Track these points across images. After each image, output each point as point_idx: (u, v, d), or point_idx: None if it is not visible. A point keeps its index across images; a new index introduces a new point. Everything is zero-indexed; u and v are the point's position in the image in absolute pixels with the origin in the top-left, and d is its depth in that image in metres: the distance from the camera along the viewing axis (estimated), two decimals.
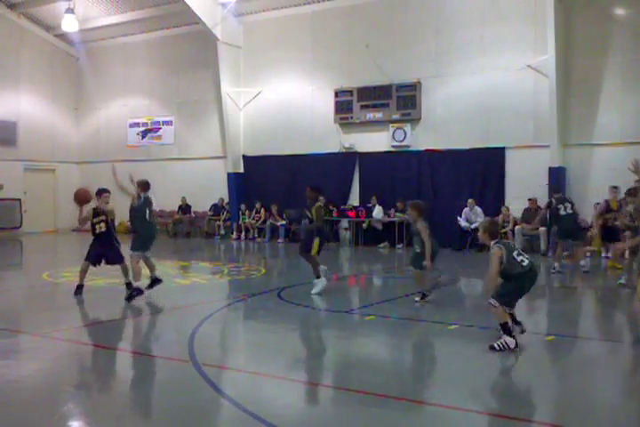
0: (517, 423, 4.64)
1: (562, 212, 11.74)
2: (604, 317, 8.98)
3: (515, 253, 6.45)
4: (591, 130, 15.98)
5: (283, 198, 19.62)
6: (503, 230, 16.09)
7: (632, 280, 10.21)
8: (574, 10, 16.06)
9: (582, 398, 5.25)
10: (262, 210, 19.91)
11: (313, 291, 9.69)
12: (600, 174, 15.57)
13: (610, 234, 12.29)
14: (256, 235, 19.98)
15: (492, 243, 6.55)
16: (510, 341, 6.36)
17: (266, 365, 6.17)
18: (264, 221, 19.79)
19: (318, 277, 9.83)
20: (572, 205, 11.94)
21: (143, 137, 23.14)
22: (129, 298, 9.05)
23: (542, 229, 15.10)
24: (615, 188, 12.60)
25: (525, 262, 6.43)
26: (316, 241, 9.87)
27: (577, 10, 16.03)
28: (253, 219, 20.03)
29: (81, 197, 9.56)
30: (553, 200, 12.07)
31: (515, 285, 6.47)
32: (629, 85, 15.46)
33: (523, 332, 6.72)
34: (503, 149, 16.97)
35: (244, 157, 20.93)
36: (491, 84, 17.06)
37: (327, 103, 19.16)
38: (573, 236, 11.88)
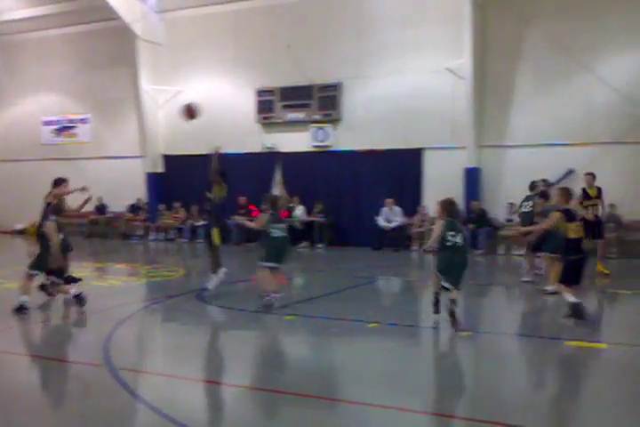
0: (435, 418, 4.74)
1: (523, 209, 11.56)
2: (516, 313, 9.30)
3: (450, 232, 7.54)
4: (505, 132, 16.53)
5: (203, 199, 19.32)
6: (419, 230, 16.47)
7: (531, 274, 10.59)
8: (490, 14, 16.57)
9: (493, 390, 5.41)
10: (182, 210, 19.61)
11: (208, 285, 9.56)
12: (513, 175, 16.17)
13: (592, 227, 11.22)
14: (175, 235, 19.65)
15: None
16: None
17: (183, 367, 6.08)
18: (184, 222, 19.49)
19: (215, 271, 9.63)
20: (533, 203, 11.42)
21: (58, 135, 22.37)
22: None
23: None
24: (590, 174, 12.16)
25: (450, 243, 7.52)
26: (216, 230, 9.65)
27: (493, 14, 16.54)
28: (172, 219, 19.70)
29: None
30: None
31: (443, 256, 7.68)
32: (542, 89, 16.07)
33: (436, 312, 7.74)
34: (421, 149, 17.35)
35: (164, 156, 20.56)
36: (410, 85, 17.37)
37: (249, 103, 19.05)
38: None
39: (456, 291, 7.46)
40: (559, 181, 15.43)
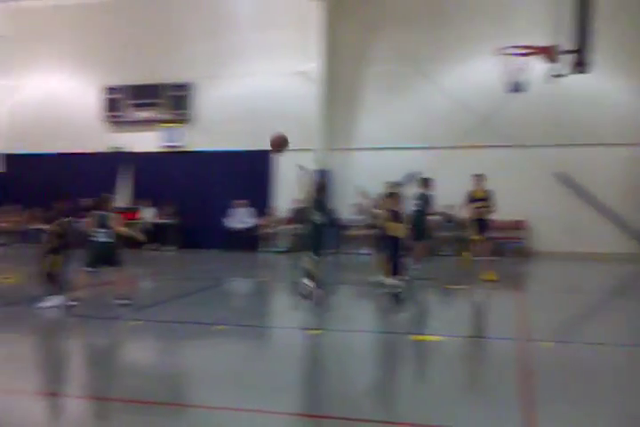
0: (282, 418, 4.77)
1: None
2: (364, 310, 9.61)
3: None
4: (353, 135, 17.07)
5: (47, 200, 18.29)
6: (270, 231, 16.57)
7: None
8: (339, 20, 17.04)
9: (340, 386, 5.55)
10: (25, 212, 18.39)
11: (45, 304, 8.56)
12: (360, 177, 16.76)
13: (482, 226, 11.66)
14: (11, 239, 18.39)
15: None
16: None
17: (14, 380, 5.69)
18: (24, 224, 18.29)
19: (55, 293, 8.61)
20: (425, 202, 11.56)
21: None
22: None
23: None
24: (478, 176, 11.98)
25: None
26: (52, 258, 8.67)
27: (341, 20, 17.03)
28: (6, 222, 18.40)
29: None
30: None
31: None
32: (387, 95, 16.77)
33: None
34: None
35: (5, 155, 19.22)
36: (262, 87, 17.47)
37: (95, 101, 18.29)
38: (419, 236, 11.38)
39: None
40: (402, 182, 16.13)
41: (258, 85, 17.51)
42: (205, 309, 8.90)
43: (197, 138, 17.96)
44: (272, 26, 17.40)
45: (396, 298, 8.72)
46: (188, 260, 15.82)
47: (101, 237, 8.49)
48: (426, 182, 11.67)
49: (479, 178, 11.68)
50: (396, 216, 8.71)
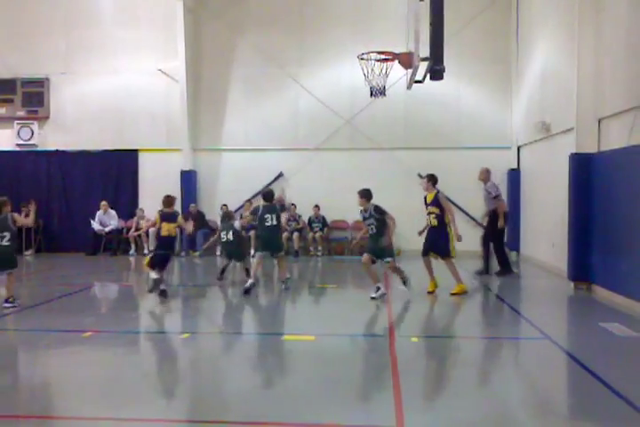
0: (157, 424, 4.74)
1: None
2: (235, 311, 9.66)
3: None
4: (220, 136, 17.02)
5: None
6: (138, 233, 16.16)
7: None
8: (203, 21, 16.91)
9: (213, 390, 5.59)
10: None
11: None
12: (227, 178, 16.81)
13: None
14: None
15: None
16: None
17: None
18: None
19: None
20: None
21: None
22: None
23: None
24: (424, 177, 10.76)
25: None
26: None
27: (205, 21, 16.91)
28: None
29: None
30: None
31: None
32: (251, 96, 16.85)
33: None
34: (137, 151, 17.07)
35: None
36: (124, 85, 17.02)
37: None
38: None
39: None
40: (270, 184, 16.37)
41: (121, 83, 17.03)
42: (69, 315, 8.59)
43: (56, 136, 17.18)
44: (135, 22, 16.98)
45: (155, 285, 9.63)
46: (47, 264, 15.06)
47: None
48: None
49: (425, 180, 10.50)
50: (165, 216, 9.86)
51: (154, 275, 9.62)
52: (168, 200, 9.90)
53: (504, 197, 16.00)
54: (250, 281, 10.12)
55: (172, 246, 10.09)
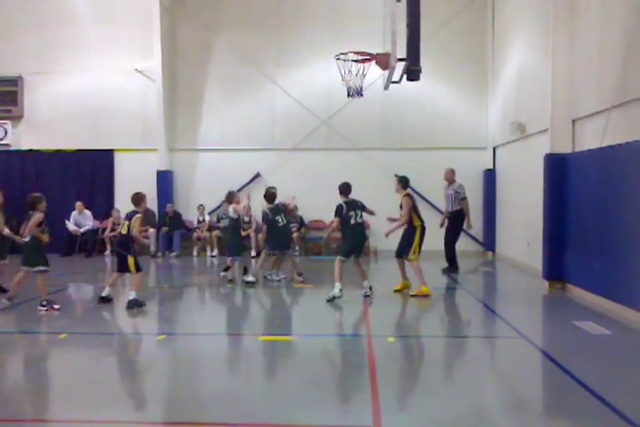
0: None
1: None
2: (214, 312, 9.63)
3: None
4: (196, 136, 16.94)
5: None
6: (113, 233, 16.01)
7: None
8: (179, 20, 16.82)
9: (191, 391, 5.57)
10: None
11: None
12: (203, 178, 16.74)
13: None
14: None
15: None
16: None
17: None
18: None
19: None
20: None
21: None
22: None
23: (152, 230, 15.55)
24: (396, 177, 10.87)
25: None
26: None
27: (181, 20, 16.82)
28: None
29: None
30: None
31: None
32: (228, 96, 16.81)
33: None
34: (112, 151, 16.94)
35: None
36: (100, 84, 16.88)
37: None
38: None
39: None
40: (248, 184, 16.36)
41: (96, 82, 16.88)
42: (45, 317, 8.49)
43: (29, 136, 16.99)
44: (111, 21, 16.84)
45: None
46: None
47: None
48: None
49: (396, 181, 10.59)
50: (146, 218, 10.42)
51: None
52: (133, 198, 9.46)
53: (480, 197, 16.25)
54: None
55: (124, 246, 9.26)
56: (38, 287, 8.88)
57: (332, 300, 9.34)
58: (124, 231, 9.26)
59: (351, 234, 9.87)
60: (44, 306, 8.77)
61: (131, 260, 9.10)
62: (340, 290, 9.48)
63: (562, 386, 5.56)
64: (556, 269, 10.61)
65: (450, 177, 13.03)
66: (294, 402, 5.12)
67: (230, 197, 11.59)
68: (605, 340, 7.13)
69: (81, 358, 6.55)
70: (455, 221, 12.80)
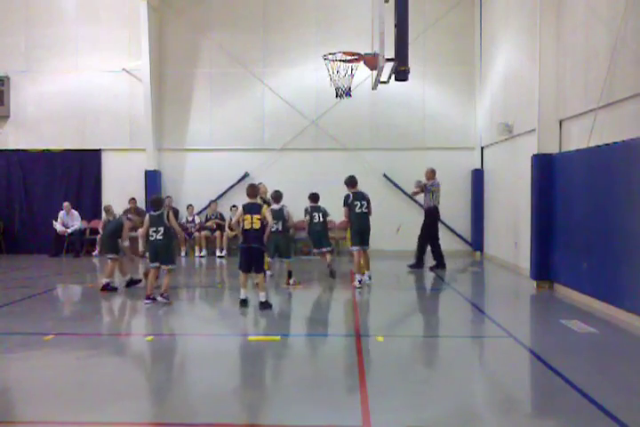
0: None
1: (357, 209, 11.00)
2: (204, 312, 9.61)
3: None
4: (185, 136, 16.90)
5: None
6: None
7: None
8: (166, 20, 16.77)
9: (185, 392, 5.55)
10: None
11: None
12: (192, 178, 16.70)
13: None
14: None
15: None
16: None
17: None
18: None
19: None
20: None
21: None
22: None
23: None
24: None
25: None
26: None
27: (169, 20, 16.77)
28: None
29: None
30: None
31: None
32: (216, 96, 16.77)
33: None
34: (100, 151, 16.87)
35: None
36: (87, 84, 16.80)
37: None
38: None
39: None
40: (236, 184, 16.34)
41: (83, 82, 16.81)
42: (31, 318, 8.45)
43: (16, 136, 16.89)
44: (98, 21, 16.78)
45: None
46: (8, 266, 14.77)
47: None
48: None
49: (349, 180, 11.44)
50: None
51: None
52: (252, 190, 9.21)
53: (468, 197, 16.33)
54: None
55: (260, 241, 8.99)
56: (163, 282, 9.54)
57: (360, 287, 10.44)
58: (256, 226, 8.72)
59: (357, 221, 10.96)
60: (165, 298, 9.39)
61: (266, 257, 9.09)
62: (369, 277, 11.03)
63: (549, 385, 5.60)
64: (543, 269, 10.67)
65: (431, 176, 13.24)
66: (283, 402, 5.12)
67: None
68: (592, 339, 7.18)
69: (67, 359, 6.52)
70: (430, 218, 12.99)
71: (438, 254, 13.18)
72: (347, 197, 11.09)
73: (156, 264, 9.55)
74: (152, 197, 10.02)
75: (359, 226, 10.99)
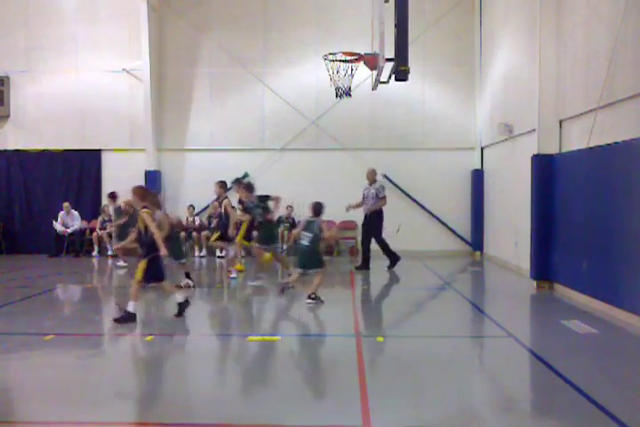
0: None
1: None
2: (199, 312, 9.60)
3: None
4: (184, 136, 16.89)
5: None
6: (101, 233, 15.95)
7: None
8: (167, 19, 16.77)
9: (181, 392, 5.54)
10: None
11: None
12: (192, 178, 16.68)
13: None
14: None
15: None
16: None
17: None
18: None
19: None
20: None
21: None
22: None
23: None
24: (221, 182, 12.06)
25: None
26: None
27: (169, 20, 16.77)
28: None
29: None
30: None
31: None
32: (216, 96, 16.77)
33: None
34: (100, 151, 16.86)
35: None
36: (87, 84, 16.80)
37: None
38: None
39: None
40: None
41: (83, 82, 16.81)
42: (31, 318, 8.43)
43: (16, 136, 16.88)
44: (98, 21, 16.77)
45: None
46: (8, 267, 14.75)
47: None
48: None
49: (220, 184, 12.08)
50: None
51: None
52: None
53: (468, 197, 16.34)
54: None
55: None
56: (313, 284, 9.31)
57: None
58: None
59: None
60: (313, 299, 9.17)
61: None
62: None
63: (549, 385, 5.59)
64: (543, 269, 10.67)
65: (372, 177, 13.23)
66: (283, 402, 5.11)
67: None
68: (592, 339, 7.17)
69: (67, 359, 6.51)
70: (373, 220, 13.03)
71: (389, 251, 13.10)
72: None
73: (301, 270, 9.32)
74: (313, 203, 9.58)
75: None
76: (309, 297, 9.19)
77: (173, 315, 8.18)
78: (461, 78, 16.55)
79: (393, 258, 13.11)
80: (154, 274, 7.94)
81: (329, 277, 11.96)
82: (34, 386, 5.67)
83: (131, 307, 7.90)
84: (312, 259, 9.33)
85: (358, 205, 13.11)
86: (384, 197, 13.00)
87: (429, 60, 16.21)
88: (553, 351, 6.67)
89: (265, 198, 11.28)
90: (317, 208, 9.45)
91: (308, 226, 9.32)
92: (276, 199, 11.30)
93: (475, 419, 4.88)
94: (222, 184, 11.79)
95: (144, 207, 7.98)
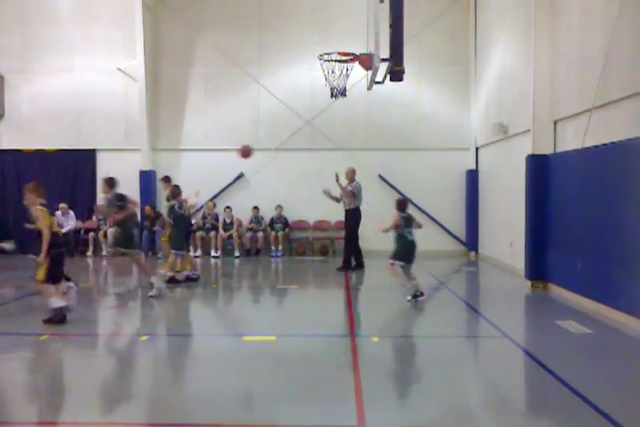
0: None
1: None
2: (192, 313, 9.59)
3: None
4: (179, 135, 16.87)
5: None
6: (102, 231, 15.93)
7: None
8: (161, 19, 16.74)
9: (175, 392, 5.55)
10: None
11: None
12: (187, 178, 16.56)
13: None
14: None
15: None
16: None
17: None
18: None
19: None
20: None
21: None
22: None
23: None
24: (166, 178, 12.35)
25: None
26: None
27: (164, 19, 16.74)
28: None
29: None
30: None
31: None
32: (212, 96, 16.75)
33: None
34: (94, 151, 16.83)
35: None
36: (81, 84, 16.76)
37: None
38: None
39: None
40: (231, 184, 16.34)
41: (78, 82, 16.76)
42: (24, 318, 8.42)
43: (11, 135, 16.84)
44: (93, 20, 16.73)
45: None
46: (4, 266, 14.71)
47: None
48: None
49: (168, 184, 12.14)
50: None
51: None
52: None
53: (462, 197, 16.36)
54: None
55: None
56: None
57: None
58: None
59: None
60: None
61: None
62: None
63: (544, 385, 5.60)
64: (538, 269, 10.69)
65: (350, 176, 13.25)
66: (278, 402, 5.11)
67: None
68: (587, 339, 7.20)
69: (62, 359, 6.52)
70: (348, 220, 13.05)
71: (358, 254, 13.06)
72: None
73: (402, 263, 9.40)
74: (400, 200, 9.80)
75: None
76: (414, 296, 9.37)
77: (42, 320, 7.83)
78: (456, 78, 16.57)
79: (348, 264, 12.97)
80: (54, 274, 7.79)
81: (323, 277, 12.00)
82: (29, 387, 5.65)
83: (54, 303, 7.73)
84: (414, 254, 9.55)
85: (335, 198, 13.12)
86: (354, 194, 12.90)
87: (425, 60, 16.23)
88: (547, 351, 6.69)
89: (122, 197, 10.60)
90: (405, 204, 9.63)
91: (407, 222, 9.41)
92: (134, 203, 11.07)
93: (469, 419, 4.89)
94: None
95: (40, 205, 7.94)
